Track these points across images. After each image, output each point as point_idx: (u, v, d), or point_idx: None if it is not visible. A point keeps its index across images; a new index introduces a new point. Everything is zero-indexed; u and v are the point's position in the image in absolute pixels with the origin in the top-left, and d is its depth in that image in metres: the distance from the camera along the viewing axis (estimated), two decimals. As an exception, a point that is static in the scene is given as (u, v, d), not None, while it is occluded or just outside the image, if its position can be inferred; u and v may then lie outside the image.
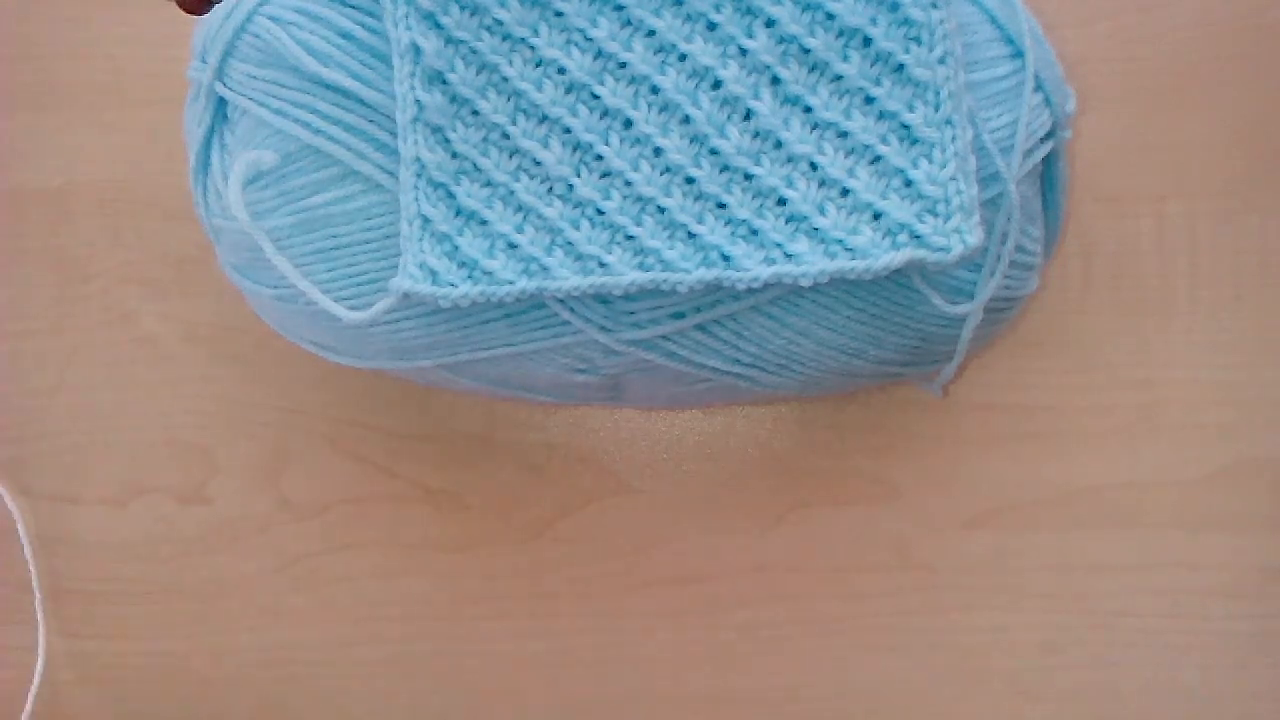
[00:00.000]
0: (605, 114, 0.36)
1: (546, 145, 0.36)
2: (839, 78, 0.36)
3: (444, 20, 0.36)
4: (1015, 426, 0.48)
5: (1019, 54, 0.38)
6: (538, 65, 0.36)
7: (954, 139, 0.35)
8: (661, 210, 0.36)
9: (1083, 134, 0.47)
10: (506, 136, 0.37)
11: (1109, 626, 0.47)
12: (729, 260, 0.36)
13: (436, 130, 0.36)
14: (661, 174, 0.36)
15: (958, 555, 0.48)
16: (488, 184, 0.37)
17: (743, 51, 0.36)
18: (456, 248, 0.37)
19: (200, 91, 0.40)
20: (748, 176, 0.36)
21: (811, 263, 0.36)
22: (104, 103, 0.50)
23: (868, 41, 0.35)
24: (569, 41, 0.36)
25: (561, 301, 0.37)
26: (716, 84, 0.36)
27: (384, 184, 0.37)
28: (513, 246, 0.37)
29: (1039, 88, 0.39)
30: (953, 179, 0.35)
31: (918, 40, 0.35)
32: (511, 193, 0.37)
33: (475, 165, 0.37)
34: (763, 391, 0.40)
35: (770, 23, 0.36)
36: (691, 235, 0.36)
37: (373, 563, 0.49)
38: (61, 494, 0.49)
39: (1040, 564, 0.47)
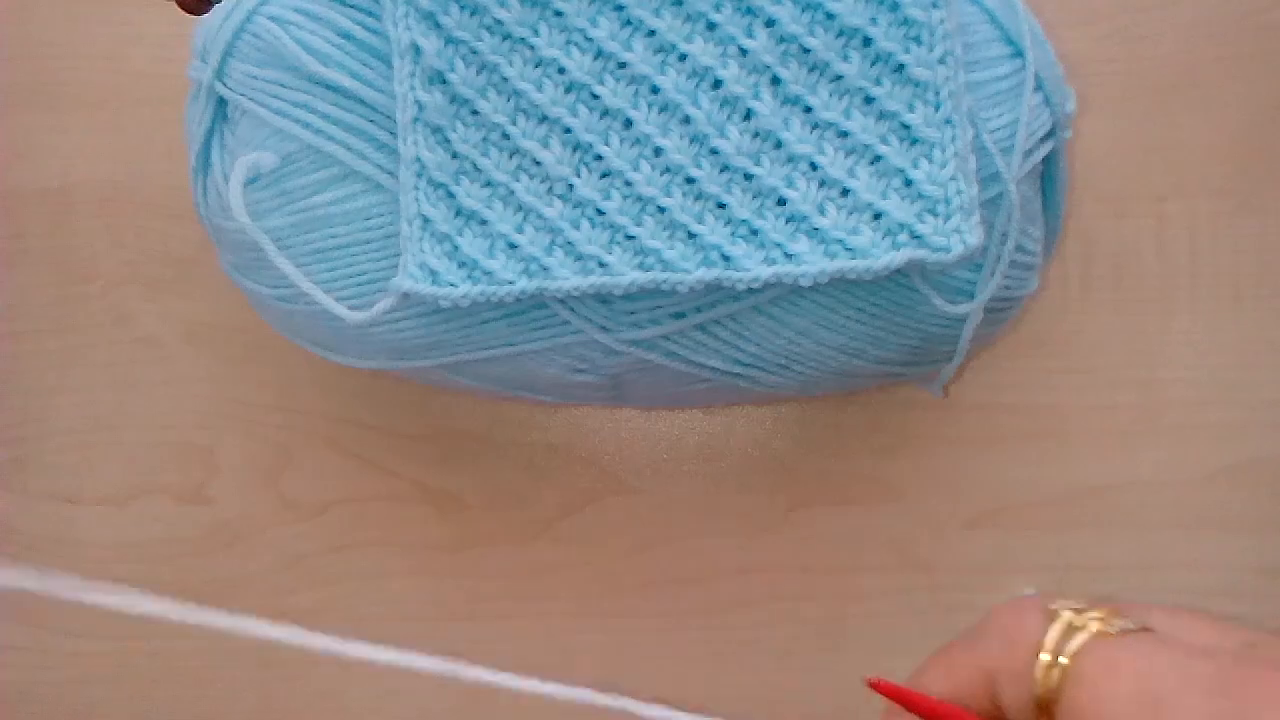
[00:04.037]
0: (605, 114, 0.36)
1: (546, 145, 0.36)
2: (839, 78, 0.36)
3: (444, 20, 0.36)
4: (1015, 426, 0.48)
5: (1019, 54, 0.38)
6: (538, 65, 0.36)
7: (954, 139, 0.35)
8: (661, 210, 0.36)
9: (1083, 134, 0.47)
10: (506, 136, 0.37)
11: (1109, 626, 0.47)
12: (729, 260, 0.36)
13: (436, 130, 0.36)
14: (661, 174, 0.36)
15: (958, 555, 0.48)
16: (488, 184, 0.37)
17: (743, 51, 0.36)
18: (456, 248, 0.37)
19: (200, 91, 0.40)
20: (748, 176, 0.36)
21: (812, 263, 0.36)
22: (104, 103, 0.50)
23: (868, 41, 0.35)
24: (569, 41, 0.36)
25: (561, 301, 0.37)
26: (716, 84, 0.36)
27: (384, 184, 0.37)
28: (513, 246, 0.37)
29: (1039, 88, 0.39)
30: (953, 179, 0.35)
31: (918, 40, 0.35)
32: (511, 193, 0.37)
33: (475, 165, 0.37)
34: (763, 391, 0.40)
35: (770, 23, 0.36)
36: (691, 235, 0.36)
37: (373, 563, 0.49)
38: (61, 494, 0.49)
39: (1040, 564, 0.47)
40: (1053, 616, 0.27)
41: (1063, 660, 0.26)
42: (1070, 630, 0.26)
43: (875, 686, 0.29)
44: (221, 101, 0.40)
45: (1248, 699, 0.24)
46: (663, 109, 0.36)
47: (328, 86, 0.37)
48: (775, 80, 0.36)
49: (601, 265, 0.36)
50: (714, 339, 0.38)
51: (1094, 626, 0.26)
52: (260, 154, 0.38)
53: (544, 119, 0.36)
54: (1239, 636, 0.26)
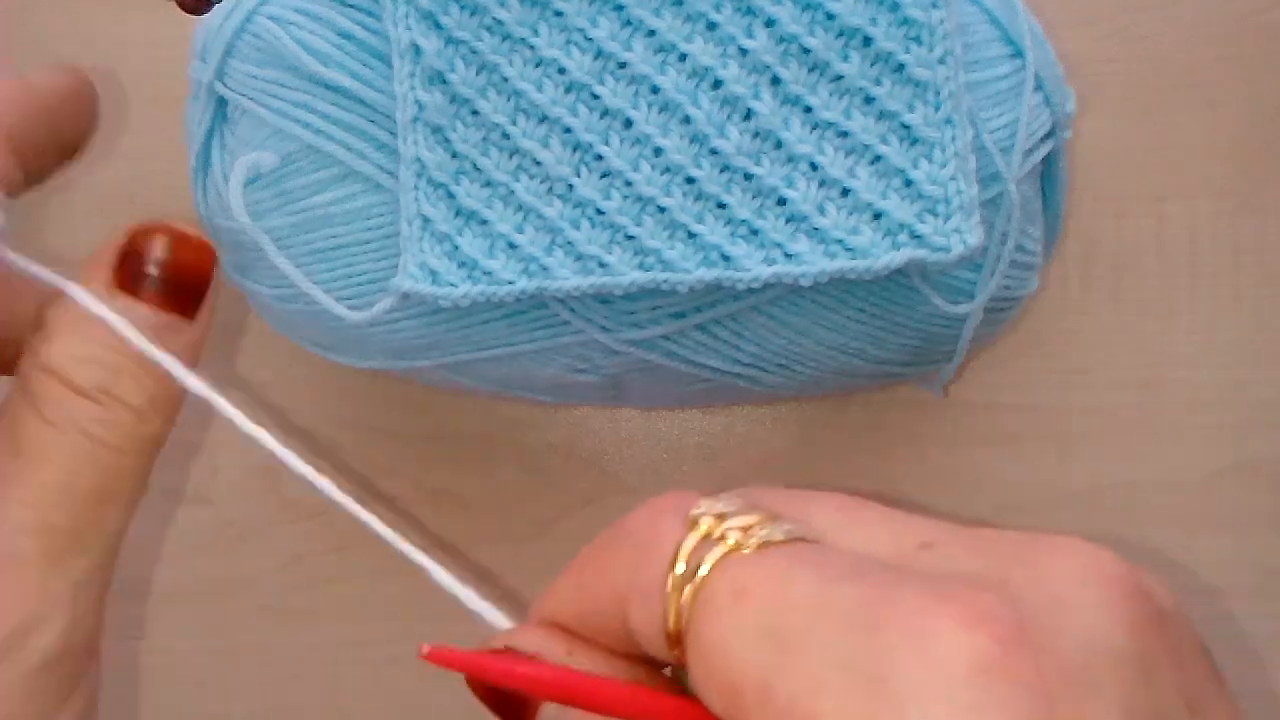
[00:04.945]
0: (605, 114, 0.36)
1: (546, 145, 0.36)
2: (839, 78, 0.36)
3: (444, 20, 0.36)
4: (1015, 426, 0.48)
5: (1019, 54, 0.38)
6: (538, 65, 0.36)
7: (954, 139, 0.35)
8: (662, 210, 0.36)
9: (1083, 134, 0.47)
10: (506, 136, 0.37)
11: (1109, 626, 0.47)
12: (729, 260, 0.36)
13: (436, 130, 0.36)
14: (662, 174, 0.36)
15: (958, 555, 0.48)
16: (488, 184, 0.37)
17: (743, 51, 0.36)
18: (456, 248, 0.37)
19: (200, 91, 0.40)
20: (748, 176, 0.36)
21: (812, 263, 0.36)
22: (104, 103, 0.50)
23: (868, 41, 0.35)
24: (569, 41, 0.36)
25: (561, 301, 0.37)
26: (716, 84, 0.36)
27: (384, 184, 0.37)
28: (513, 246, 0.37)
29: (1039, 88, 0.39)
30: (953, 179, 0.35)
31: (918, 40, 0.35)
32: (511, 193, 0.37)
33: (475, 165, 0.37)
34: (763, 391, 0.40)
35: (770, 23, 0.35)
36: (692, 235, 0.36)
37: (373, 563, 0.49)
38: (61, 494, 0.49)
39: (1040, 564, 0.47)
40: (693, 523, 0.21)
41: (703, 573, 0.20)
42: (708, 541, 0.20)
43: (431, 658, 0.22)
44: (221, 101, 0.40)
45: (886, 632, 0.18)
46: (663, 109, 0.36)
47: (328, 86, 0.37)
48: (775, 80, 0.36)
49: (601, 265, 0.36)
50: (714, 339, 0.38)
51: (732, 538, 0.20)
52: (260, 154, 0.38)
53: (544, 119, 0.36)
54: (915, 536, 0.21)
